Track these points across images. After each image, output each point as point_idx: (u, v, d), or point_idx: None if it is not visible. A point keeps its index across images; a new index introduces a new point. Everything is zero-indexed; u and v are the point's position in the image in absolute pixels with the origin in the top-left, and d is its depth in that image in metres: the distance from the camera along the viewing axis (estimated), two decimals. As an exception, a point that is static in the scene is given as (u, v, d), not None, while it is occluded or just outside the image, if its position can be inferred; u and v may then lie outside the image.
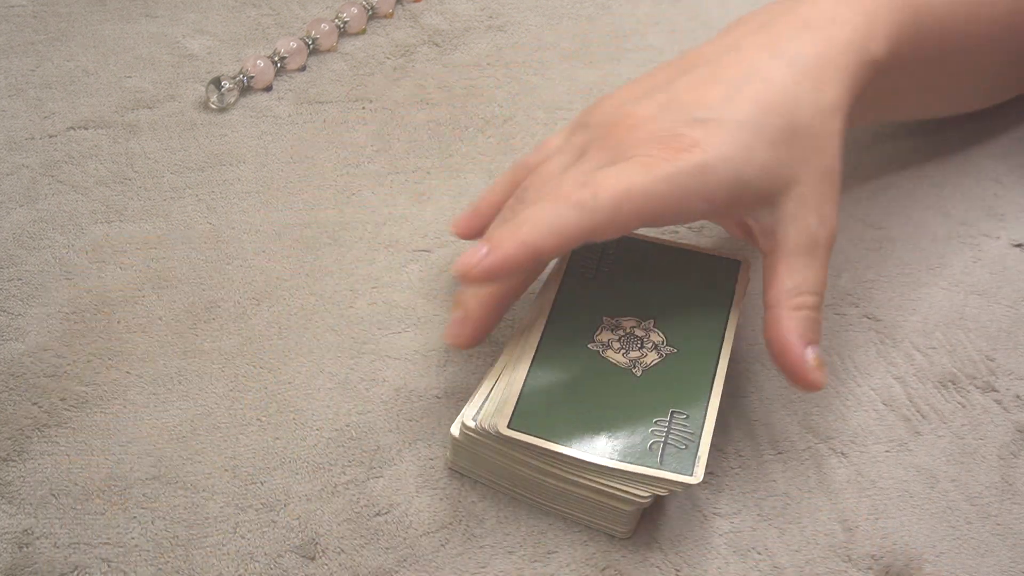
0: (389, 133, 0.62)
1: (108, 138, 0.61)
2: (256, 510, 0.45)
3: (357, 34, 0.69)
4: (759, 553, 0.45)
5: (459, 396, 0.50)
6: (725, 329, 0.48)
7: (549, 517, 0.46)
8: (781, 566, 0.45)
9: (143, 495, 0.46)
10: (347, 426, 0.48)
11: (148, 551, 0.44)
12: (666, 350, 0.47)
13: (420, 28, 0.69)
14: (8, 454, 0.47)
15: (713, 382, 0.46)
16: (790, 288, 0.46)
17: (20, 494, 0.45)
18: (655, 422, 0.45)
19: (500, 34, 0.69)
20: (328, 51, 0.67)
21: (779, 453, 0.48)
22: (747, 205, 0.46)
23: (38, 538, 0.44)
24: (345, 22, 0.68)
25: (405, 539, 0.45)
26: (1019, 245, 0.57)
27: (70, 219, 0.56)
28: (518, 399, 0.45)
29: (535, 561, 0.44)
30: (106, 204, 0.57)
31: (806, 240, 0.46)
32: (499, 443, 0.44)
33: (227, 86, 0.63)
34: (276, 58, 0.65)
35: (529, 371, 0.46)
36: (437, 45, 0.68)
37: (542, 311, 0.49)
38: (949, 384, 0.51)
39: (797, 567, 0.45)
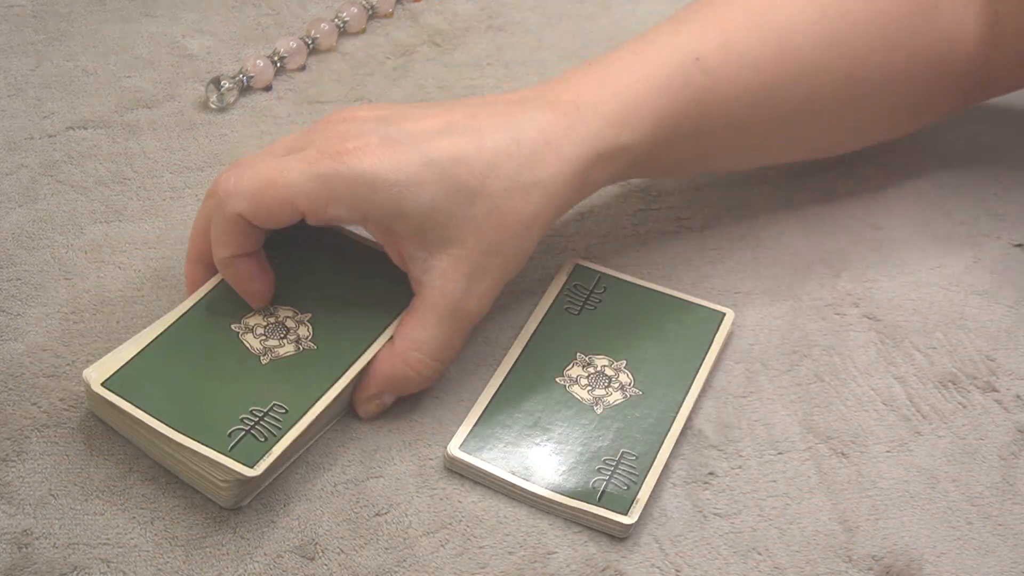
0: (389, 133, 0.62)
1: (107, 138, 0.61)
2: (256, 510, 0.45)
3: (357, 34, 0.69)
4: (759, 553, 0.45)
5: (459, 396, 0.50)
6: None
7: (549, 517, 0.46)
8: (781, 566, 0.45)
9: (143, 495, 0.46)
10: (347, 426, 0.48)
11: (148, 551, 0.44)
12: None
13: (420, 28, 0.69)
14: (7, 454, 0.47)
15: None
16: (413, 339, 0.47)
17: (20, 494, 0.45)
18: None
19: (500, 34, 0.69)
20: (328, 51, 0.67)
21: (779, 453, 0.48)
22: (402, 238, 0.46)
23: (38, 538, 0.44)
24: (345, 22, 0.68)
25: (405, 539, 0.45)
26: (1019, 245, 0.57)
27: (70, 219, 0.56)
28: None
29: (535, 561, 0.44)
30: (106, 204, 0.57)
31: (447, 302, 0.46)
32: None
33: (227, 86, 0.63)
34: (276, 58, 0.65)
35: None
36: (437, 45, 0.68)
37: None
38: (949, 384, 0.51)
39: (797, 567, 0.45)
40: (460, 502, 0.46)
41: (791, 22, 0.52)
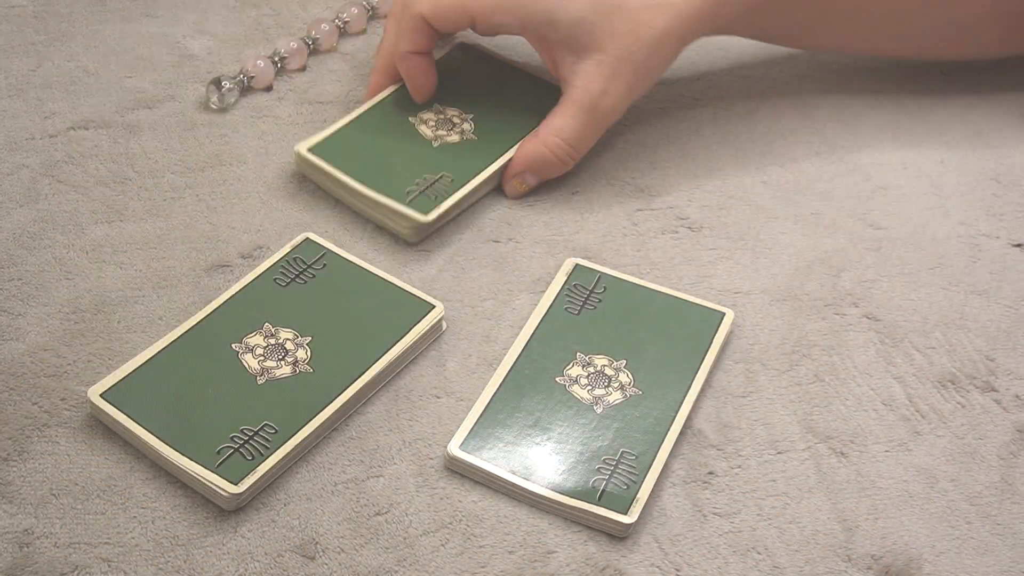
0: (389, 133, 0.62)
1: (108, 138, 0.61)
2: (256, 510, 0.45)
3: (357, 34, 0.69)
4: (759, 553, 0.45)
5: (459, 396, 0.50)
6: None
7: (549, 516, 0.46)
8: (781, 566, 0.45)
9: (143, 495, 0.46)
10: (347, 426, 0.48)
11: (148, 551, 0.44)
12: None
13: (420, 28, 0.69)
14: (8, 454, 0.47)
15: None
16: (554, 126, 0.56)
17: (20, 494, 0.45)
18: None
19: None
20: (328, 51, 0.67)
21: (779, 453, 0.48)
22: (554, 44, 0.55)
23: (38, 538, 0.44)
24: (345, 22, 0.68)
25: (405, 539, 0.45)
26: (1019, 245, 0.57)
27: (70, 219, 0.56)
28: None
29: (535, 561, 0.44)
30: (106, 204, 0.57)
31: (587, 99, 0.56)
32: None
33: (227, 86, 0.63)
34: (276, 58, 0.65)
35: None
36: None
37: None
38: (949, 384, 0.51)
39: (797, 567, 0.45)
40: (460, 502, 0.46)
41: None
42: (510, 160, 0.58)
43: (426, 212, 0.55)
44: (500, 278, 0.55)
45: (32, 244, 0.55)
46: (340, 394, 0.48)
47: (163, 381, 0.48)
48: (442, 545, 0.45)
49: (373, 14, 0.70)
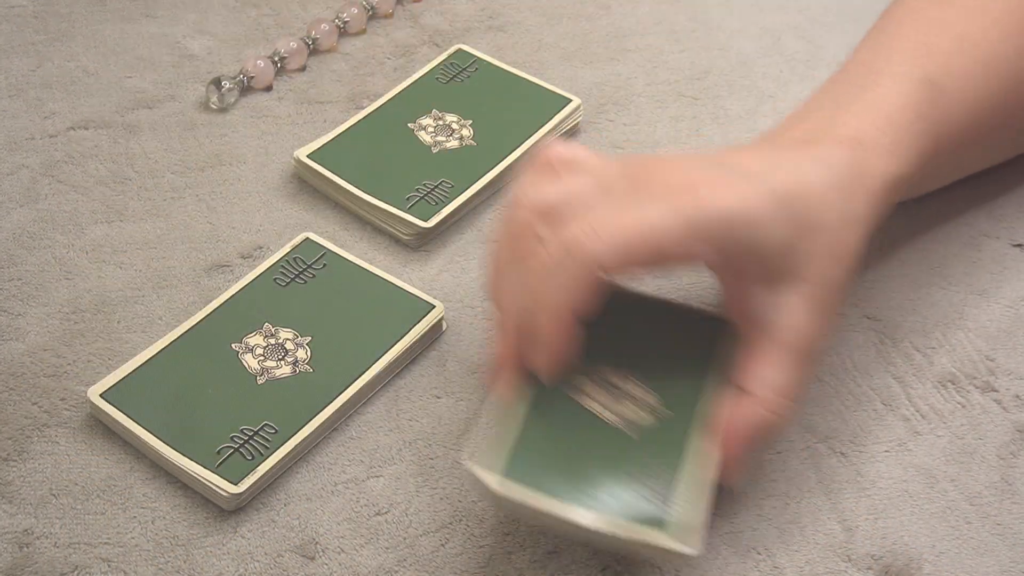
0: (389, 133, 0.62)
1: (108, 138, 0.61)
2: (256, 509, 0.45)
3: (357, 34, 0.69)
4: (759, 553, 0.45)
5: (459, 396, 0.50)
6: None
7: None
8: (781, 566, 0.45)
9: (143, 495, 0.46)
10: (347, 426, 0.48)
11: (148, 551, 0.44)
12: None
13: (420, 28, 0.69)
14: (8, 454, 0.47)
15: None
16: (770, 382, 0.43)
17: (20, 494, 0.45)
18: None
19: (500, 34, 0.69)
20: (328, 51, 0.67)
21: (779, 453, 0.48)
22: (749, 274, 0.44)
23: (38, 538, 0.44)
24: (345, 22, 0.68)
25: (405, 539, 0.45)
26: (1019, 245, 0.57)
27: (70, 219, 0.56)
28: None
29: (535, 561, 0.44)
30: (106, 204, 0.57)
31: (803, 343, 0.44)
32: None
33: (227, 86, 0.63)
34: (276, 58, 0.65)
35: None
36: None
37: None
38: (949, 384, 0.51)
39: (797, 567, 0.45)
40: (460, 502, 0.46)
41: (987, 37, 0.53)
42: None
43: (426, 218, 0.55)
44: (500, 278, 0.55)
45: (32, 244, 0.55)
46: (340, 394, 0.48)
47: (163, 381, 0.48)
48: (442, 545, 0.45)
49: (373, 14, 0.70)
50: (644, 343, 0.46)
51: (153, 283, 0.53)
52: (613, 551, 0.44)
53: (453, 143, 0.59)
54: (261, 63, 0.64)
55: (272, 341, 0.49)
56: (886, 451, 0.49)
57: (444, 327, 0.52)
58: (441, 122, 0.60)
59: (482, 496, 0.45)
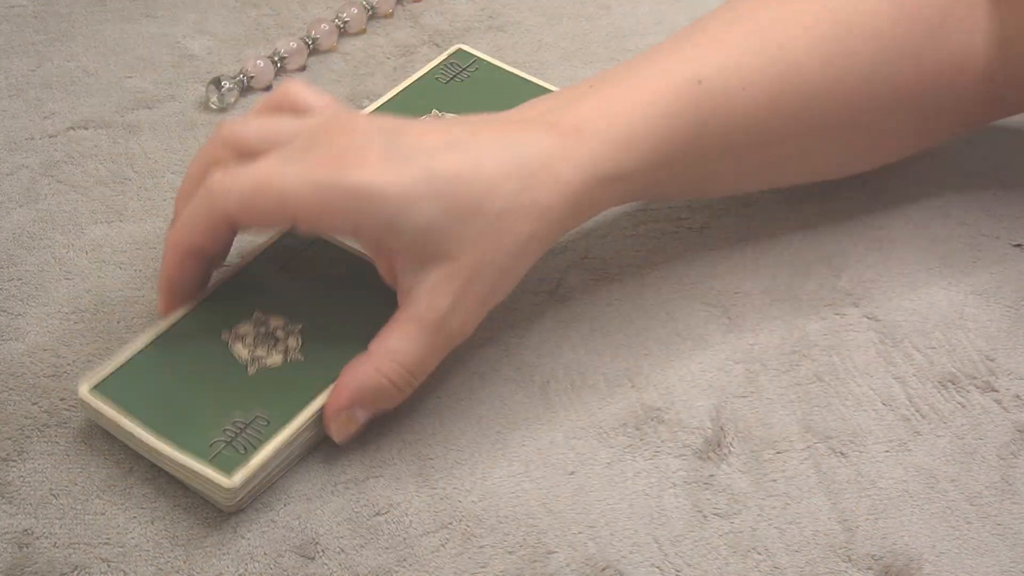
0: (389, 133, 0.62)
1: (108, 138, 0.61)
2: (256, 510, 0.45)
3: (357, 34, 0.69)
4: (759, 554, 0.45)
5: (459, 396, 0.50)
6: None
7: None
8: (781, 566, 0.45)
9: (143, 495, 0.46)
10: (347, 426, 0.48)
11: (148, 551, 0.44)
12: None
13: (420, 28, 0.69)
14: (8, 454, 0.47)
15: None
16: (390, 348, 0.45)
17: (20, 494, 0.45)
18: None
19: (500, 34, 0.69)
20: (328, 51, 0.67)
21: (779, 453, 0.48)
22: (395, 252, 0.45)
23: (38, 538, 0.44)
24: (345, 22, 0.68)
25: (405, 539, 0.45)
26: (1019, 245, 0.57)
27: (70, 219, 0.56)
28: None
29: (535, 561, 0.44)
30: (106, 204, 0.57)
31: (433, 317, 0.45)
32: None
33: (227, 86, 0.63)
34: (276, 58, 0.65)
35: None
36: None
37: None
38: (949, 384, 0.51)
39: (797, 567, 0.45)
40: (460, 502, 0.46)
41: (793, 43, 0.51)
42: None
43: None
44: (500, 278, 0.55)
45: (32, 244, 0.55)
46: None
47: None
48: (442, 545, 0.45)
49: (373, 14, 0.70)
50: (326, 297, 0.48)
51: (153, 283, 0.53)
52: (181, 479, 0.45)
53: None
54: (261, 63, 0.64)
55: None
56: (886, 451, 0.49)
57: None
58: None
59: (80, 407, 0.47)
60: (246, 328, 0.49)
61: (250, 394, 0.46)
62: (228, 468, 0.44)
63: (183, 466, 0.44)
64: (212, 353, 0.48)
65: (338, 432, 0.46)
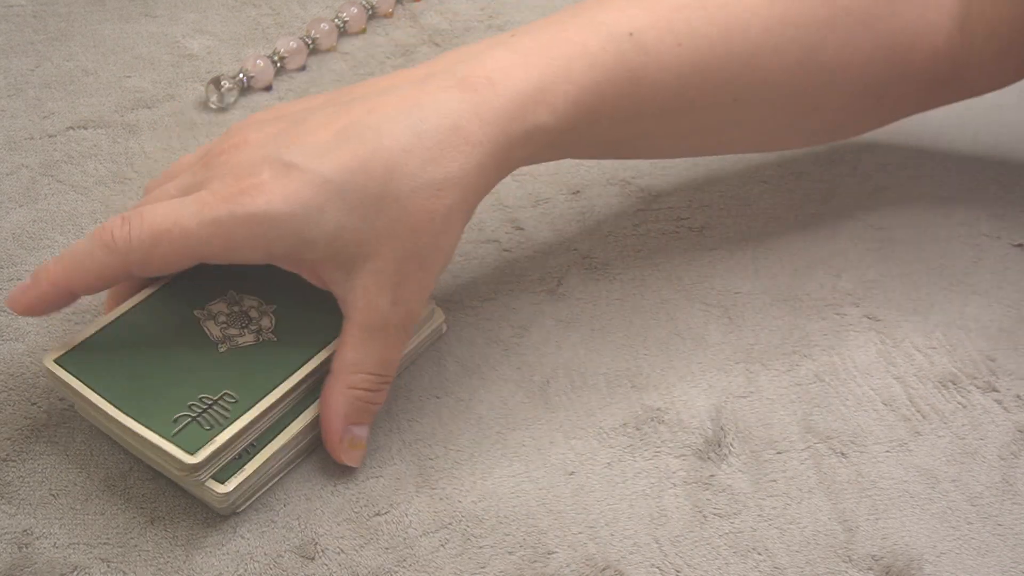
0: (389, 133, 0.62)
1: (108, 138, 0.61)
2: (256, 510, 0.45)
3: (357, 34, 0.69)
4: (759, 553, 0.45)
5: (459, 396, 0.50)
6: (335, 338, 0.47)
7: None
8: (781, 566, 0.45)
9: (143, 495, 0.46)
10: (347, 426, 0.48)
11: (148, 551, 0.44)
12: (266, 336, 0.47)
13: (420, 28, 0.69)
14: (8, 454, 0.47)
15: (288, 378, 0.45)
16: (349, 362, 0.45)
17: (20, 494, 0.45)
18: (200, 398, 0.44)
19: (500, 34, 0.69)
20: (328, 51, 0.67)
21: (779, 453, 0.48)
22: (315, 264, 0.44)
23: (38, 538, 0.44)
24: (345, 22, 0.68)
25: (404, 539, 0.45)
26: (1019, 245, 0.57)
27: (70, 219, 0.56)
28: (85, 339, 0.46)
29: (535, 561, 0.44)
30: (106, 204, 0.57)
31: (375, 318, 0.44)
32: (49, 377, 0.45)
33: (227, 86, 0.63)
34: (276, 58, 0.65)
35: (120, 316, 0.47)
36: (437, 45, 0.68)
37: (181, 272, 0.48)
38: (949, 384, 0.51)
39: (797, 567, 0.45)
40: (460, 502, 0.46)
41: (736, 1, 0.49)
42: (315, 372, 0.46)
43: (193, 450, 0.43)
44: (500, 278, 0.55)
45: (32, 244, 0.55)
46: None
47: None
48: (442, 545, 0.45)
49: (372, 13, 0.70)
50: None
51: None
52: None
53: (248, 337, 0.47)
54: (261, 63, 0.64)
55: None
56: (887, 451, 0.49)
57: (444, 329, 0.52)
58: (237, 308, 0.48)
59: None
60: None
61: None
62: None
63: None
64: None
65: (348, 457, 0.46)
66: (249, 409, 0.44)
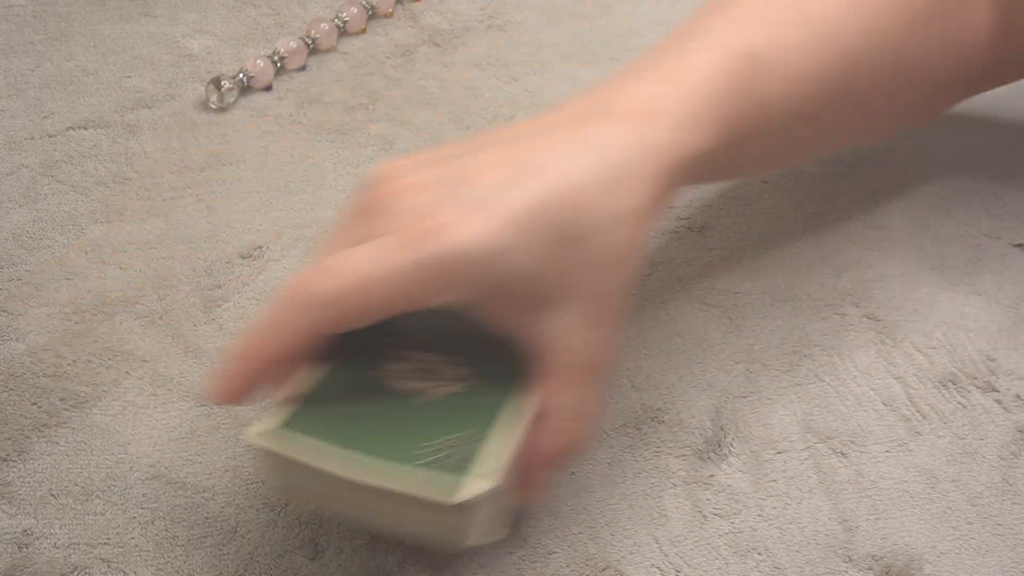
0: (389, 133, 0.62)
1: (108, 138, 0.61)
2: (256, 510, 0.45)
3: (357, 34, 0.69)
4: (759, 553, 0.45)
5: (459, 396, 0.50)
6: (525, 383, 0.43)
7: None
8: (781, 566, 0.45)
9: (143, 495, 0.46)
10: (347, 426, 0.48)
11: (148, 551, 0.44)
12: (458, 387, 0.42)
13: (420, 28, 0.69)
14: (8, 454, 0.47)
15: (509, 407, 0.41)
16: (566, 408, 0.42)
17: (20, 494, 0.45)
18: (442, 441, 0.40)
19: (500, 34, 0.69)
20: (328, 51, 0.67)
21: (779, 453, 0.48)
22: (510, 306, 0.41)
23: (38, 538, 0.44)
24: (345, 22, 0.68)
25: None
26: (1019, 245, 0.57)
27: (70, 219, 0.56)
28: (289, 416, 0.41)
29: (535, 561, 0.44)
30: (106, 204, 0.57)
31: (584, 361, 0.42)
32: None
33: (227, 86, 0.63)
34: (276, 58, 0.65)
35: (310, 391, 0.42)
36: (437, 45, 0.68)
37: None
38: (949, 384, 0.51)
39: (797, 567, 0.45)
40: (460, 502, 0.46)
41: (828, 11, 0.50)
42: (527, 461, 0.42)
43: (454, 488, 0.38)
44: (500, 278, 0.55)
45: (32, 244, 0.55)
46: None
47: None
48: (442, 545, 0.45)
49: (373, 13, 0.70)
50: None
51: (153, 283, 0.53)
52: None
53: (451, 387, 0.43)
54: (261, 62, 0.64)
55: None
56: (887, 451, 0.49)
57: None
58: (422, 364, 0.43)
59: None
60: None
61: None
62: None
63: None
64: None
65: (539, 495, 0.44)
66: (501, 435, 0.40)
